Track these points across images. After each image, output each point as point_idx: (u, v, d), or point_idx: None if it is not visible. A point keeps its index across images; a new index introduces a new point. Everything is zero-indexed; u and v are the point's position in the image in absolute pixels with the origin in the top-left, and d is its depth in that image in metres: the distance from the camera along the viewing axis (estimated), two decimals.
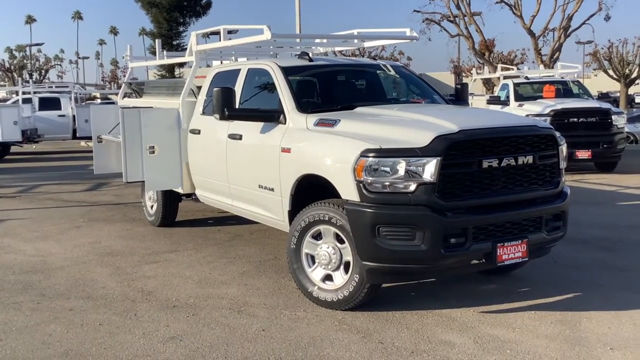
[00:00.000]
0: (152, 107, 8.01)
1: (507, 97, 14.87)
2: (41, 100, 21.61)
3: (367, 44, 7.36)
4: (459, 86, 6.98)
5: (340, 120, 5.26)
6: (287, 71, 6.09)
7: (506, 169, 4.81)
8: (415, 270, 4.81)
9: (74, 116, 21.16)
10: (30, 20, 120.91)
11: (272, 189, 5.81)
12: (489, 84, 32.64)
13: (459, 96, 6.92)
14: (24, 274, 6.39)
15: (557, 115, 12.76)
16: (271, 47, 8.67)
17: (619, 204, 10.17)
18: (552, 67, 23.95)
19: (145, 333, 4.76)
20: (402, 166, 4.58)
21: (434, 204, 4.56)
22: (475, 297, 5.42)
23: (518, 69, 18.43)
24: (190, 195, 7.87)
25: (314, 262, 5.30)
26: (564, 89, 14.95)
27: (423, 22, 28.81)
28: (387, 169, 4.62)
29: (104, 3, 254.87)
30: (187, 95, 7.47)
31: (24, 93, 22.81)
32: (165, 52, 9.61)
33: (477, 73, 24.24)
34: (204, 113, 7.15)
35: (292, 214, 5.57)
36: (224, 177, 6.65)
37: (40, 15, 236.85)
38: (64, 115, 21.26)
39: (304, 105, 5.77)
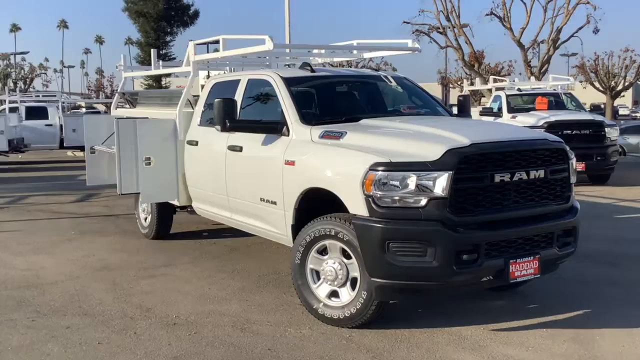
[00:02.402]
0: (147, 118, 7.85)
1: (500, 108, 14.86)
2: (28, 109, 21.35)
3: (367, 55, 7.24)
4: (461, 98, 6.90)
5: (346, 132, 5.14)
6: (289, 82, 5.96)
7: (517, 183, 4.72)
8: (426, 287, 4.68)
9: (61, 125, 20.89)
10: (15, 28, 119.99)
11: (275, 203, 5.67)
12: (476, 95, 32.73)
13: (462, 108, 6.83)
14: (17, 289, 6.18)
15: (551, 128, 12.70)
16: (266, 57, 8.54)
17: (616, 217, 10.13)
18: (541, 79, 24.04)
19: (147, 353, 4.58)
20: (412, 180, 4.46)
21: (445, 219, 4.45)
22: (485, 314, 5.30)
23: (513, 80, 18.43)
24: (186, 208, 7.72)
25: (319, 278, 5.16)
26: (556, 101, 14.97)
27: (413, 33, 28.85)
28: (397, 183, 4.50)
29: (90, 12, 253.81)
30: (184, 106, 7.33)
31: (10, 102, 22.51)
32: (161, 62, 9.44)
33: (470, 84, 24.25)
34: (201, 124, 7.01)
35: (296, 228, 5.44)
36: (223, 189, 6.50)
37: (25, 24, 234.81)
38: (51, 125, 21.02)
39: (308, 116, 5.64)
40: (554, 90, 16.09)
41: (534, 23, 27.96)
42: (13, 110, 21.24)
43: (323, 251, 5.11)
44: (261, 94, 6.29)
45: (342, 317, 4.93)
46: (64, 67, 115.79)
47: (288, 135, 5.58)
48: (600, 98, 41.25)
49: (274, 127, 5.67)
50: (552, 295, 5.82)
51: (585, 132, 12.96)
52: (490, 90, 22.01)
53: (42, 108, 21.57)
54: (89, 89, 58.29)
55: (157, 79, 44.32)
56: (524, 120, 13.34)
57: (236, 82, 6.60)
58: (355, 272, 4.89)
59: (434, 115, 6.30)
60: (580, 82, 37.14)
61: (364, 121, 5.59)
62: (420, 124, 5.41)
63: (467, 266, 4.51)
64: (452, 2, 27.80)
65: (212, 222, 9.01)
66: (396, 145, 4.79)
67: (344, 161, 4.86)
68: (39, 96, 27.35)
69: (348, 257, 4.92)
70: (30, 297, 5.90)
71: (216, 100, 5.74)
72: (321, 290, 5.12)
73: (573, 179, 5.15)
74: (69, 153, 23.57)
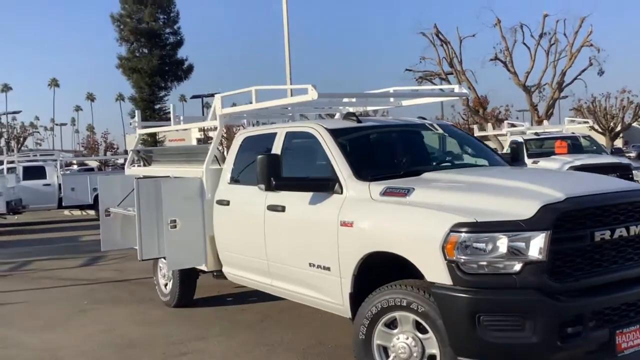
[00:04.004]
0: (169, 177, 7.28)
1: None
2: (25, 169, 20.76)
3: (413, 102, 6.73)
4: (514, 145, 6.39)
5: (414, 188, 4.57)
6: (336, 134, 5.42)
7: (617, 241, 4.15)
8: None
9: (59, 184, 20.28)
10: (6, 88, 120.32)
11: (328, 269, 5.05)
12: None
13: (515, 156, 6.31)
14: None
15: None
16: (288, 107, 8.02)
17: None
18: (543, 123, 23.75)
19: None
20: (503, 242, 3.88)
21: (545, 286, 3.85)
22: None
23: (531, 125, 18.06)
24: (213, 272, 7.07)
25: (387, 355, 4.52)
26: (574, 144, 14.55)
27: (416, 80, 28.68)
28: (484, 246, 3.92)
29: (82, 70, 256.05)
30: (211, 163, 6.77)
31: (7, 162, 21.93)
32: (181, 117, 8.93)
33: (480, 129, 23.93)
34: (232, 182, 6.44)
35: (354, 297, 4.82)
36: (261, 253, 5.88)
37: (16, 84, 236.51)
38: (49, 184, 20.39)
39: (362, 172, 5.07)
40: (572, 133, 15.70)
41: (538, 67, 28.17)
42: (11, 170, 20.64)
43: (391, 324, 4.49)
44: (303, 149, 5.75)
45: None
46: (55, 124, 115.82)
47: (341, 193, 5.01)
48: (599, 139, 41.21)
49: (325, 185, 5.10)
50: None
51: (612, 175, 12.48)
52: (496, 136, 21.65)
53: (40, 167, 20.98)
54: (83, 146, 57.79)
55: (152, 133, 44.13)
56: (547, 165, 12.86)
57: (271, 136, 6.06)
58: (433, 349, 4.25)
59: (497, 165, 5.76)
60: (583, 123, 37.07)
61: (426, 175, 5.03)
62: (496, 176, 4.85)
63: (572, 340, 3.90)
64: (453, 48, 27.78)
65: (234, 285, 8.36)
66: (477, 202, 4.22)
67: (418, 222, 4.27)
68: (36, 155, 26.80)
69: (423, 331, 4.30)
70: None
71: (260, 156, 5.18)
72: None
73: None
74: (66, 212, 22.92)
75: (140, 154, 8.96)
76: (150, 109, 43.41)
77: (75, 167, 39.22)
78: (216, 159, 6.93)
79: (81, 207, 21.36)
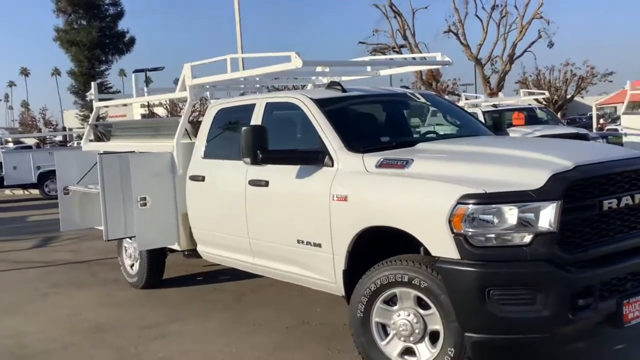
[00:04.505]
0: (134, 152, 6.89)
1: None
2: None
3: (395, 71, 6.52)
4: (496, 115, 6.27)
5: (412, 159, 4.37)
6: (322, 104, 5.17)
7: (622, 210, 4.07)
8: (533, 341, 3.91)
9: (0, 163, 19.33)
10: None
11: (319, 245, 4.83)
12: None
13: (498, 126, 6.19)
14: None
15: None
16: (257, 78, 7.71)
17: None
18: (498, 95, 24.01)
19: None
20: (513, 214, 3.74)
21: (556, 258, 3.73)
22: None
23: (475, 97, 18.11)
24: (184, 252, 6.75)
25: (386, 333, 4.36)
26: (530, 116, 14.66)
27: (370, 53, 28.48)
28: (493, 217, 3.77)
29: (14, 43, 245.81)
30: (182, 137, 6.44)
31: None
32: (145, 89, 8.47)
33: None
34: (207, 156, 6.13)
35: (348, 274, 4.63)
36: (242, 230, 5.61)
37: None
38: None
39: (353, 143, 4.85)
40: (529, 105, 15.84)
41: (490, 40, 28.36)
42: None
43: (390, 301, 4.32)
44: (286, 120, 5.48)
45: None
46: None
47: (332, 165, 4.77)
48: None
49: (314, 157, 4.85)
50: None
51: None
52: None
53: None
54: (20, 123, 55.52)
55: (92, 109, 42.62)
56: None
57: (249, 108, 5.75)
58: (436, 325, 4.11)
59: (487, 135, 5.62)
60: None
61: (421, 145, 4.85)
62: (496, 146, 4.70)
63: (583, 312, 3.81)
64: (406, 20, 27.67)
65: (203, 264, 8.08)
66: (482, 172, 4.06)
67: (421, 194, 4.08)
68: None
69: (425, 307, 4.15)
70: None
71: (244, 128, 4.88)
72: (391, 347, 4.31)
73: None
74: (7, 192, 21.92)
75: (98, 128, 8.50)
76: (91, 83, 41.93)
77: (11, 145, 37.58)
78: (187, 132, 6.59)
79: (24, 187, 20.48)
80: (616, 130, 26.56)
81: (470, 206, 3.78)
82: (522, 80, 38.45)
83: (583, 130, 13.42)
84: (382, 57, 6.89)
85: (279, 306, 6.35)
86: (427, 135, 5.57)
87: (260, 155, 4.83)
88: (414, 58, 6.68)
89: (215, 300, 6.74)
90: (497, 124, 6.20)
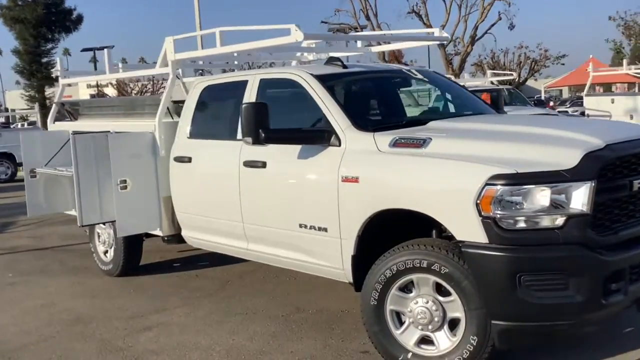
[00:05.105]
0: (115, 132, 6.45)
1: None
2: None
3: (394, 46, 6.26)
4: (494, 94, 6.09)
5: (430, 138, 4.13)
6: (324, 80, 4.87)
7: None
8: (563, 327, 3.75)
9: None
10: None
11: (325, 229, 4.56)
12: None
13: (498, 105, 6.02)
14: None
15: None
16: (235, 54, 7.32)
17: None
18: (460, 77, 24.04)
19: None
20: (545, 195, 3.54)
21: (590, 241, 3.57)
22: (605, 345, 4.44)
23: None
24: (164, 237, 6.38)
25: (400, 321, 4.14)
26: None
27: (333, 33, 28.07)
28: (523, 199, 3.57)
29: None
30: (164, 116, 6.05)
31: None
32: (120, 65, 7.98)
33: None
34: (193, 136, 5.77)
35: (358, 260, 4.39)
36: (235, 215, 5.30)
37: None
38: None
39: (361, 121, 4.57)
40: (497, 86, 15.81)
41: (452, 21, 28.30)
42: None
43: (405, 288, 4.10)
44: (283, 98, 5.17)
45: None
46: None
47: (339, 145, 4.50)
48: None
49: (320, 137, 4.56)
50: None
51: None
52: None
53: None
54: None
55: (40, 89, 41.06)
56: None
57: (241, 85, 5.41)
58: (457, 312, 3.91)
59: (493, 114, 5.42)
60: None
61: (433, 124, 4.61)
62: (516, 124, 4.50)
63: (615, 296, 3.66)
64: (368, 1, 27.39)
65: (178, 249, 7.75)
66: (508, 151, 3.85)
67: (445, 175, 3.85)
68: None
69: (445, 293, 3.94)
70: None
71: (245, 105, 4.54)
72: (407, 336, 4.10)
73: None
74: None
75: (65, 107, 7.99)
76: (37, 62, 40.40)
77: None
78: (168, 111, 6.21)
79: None
80: (566, 112, 27.15)
81: (500, 187, 3.57)
82: (477, 63, 38.86)
83: (554, 112, 13.47)
84: (376, 33, 6.67)
85: (270, 293, 6.07)
86: (436, 113, 5.35)
87: (263, 135, 4.51)
88: (420, 33, 6.41)
89: (200, 287, 6.41)
90: (496, 103, 6.02)
